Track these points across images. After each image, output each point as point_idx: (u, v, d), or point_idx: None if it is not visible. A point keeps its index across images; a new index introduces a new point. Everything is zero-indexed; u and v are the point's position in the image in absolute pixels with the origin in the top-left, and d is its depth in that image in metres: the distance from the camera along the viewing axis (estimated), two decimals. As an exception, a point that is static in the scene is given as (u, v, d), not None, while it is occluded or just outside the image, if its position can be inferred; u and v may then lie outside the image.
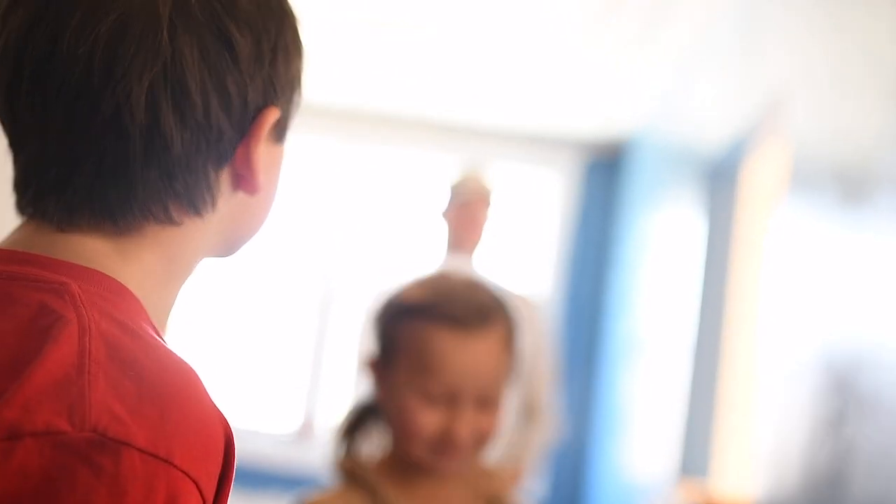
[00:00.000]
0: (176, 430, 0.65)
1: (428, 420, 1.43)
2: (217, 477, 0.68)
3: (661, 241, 3.95)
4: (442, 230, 3.31)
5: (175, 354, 0.71)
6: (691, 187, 3.48)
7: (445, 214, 3.29)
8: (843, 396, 1.96)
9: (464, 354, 1.45)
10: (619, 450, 4.26)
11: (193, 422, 0.67)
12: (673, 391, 3.42)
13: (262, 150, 0.79)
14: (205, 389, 0.70)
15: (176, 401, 0.66)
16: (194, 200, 0.77)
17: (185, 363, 0.71)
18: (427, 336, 1.45)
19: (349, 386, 3.06)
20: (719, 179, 3.35)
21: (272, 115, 0.79)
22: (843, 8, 2.19)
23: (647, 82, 4.06)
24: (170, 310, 0.81)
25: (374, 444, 1.54)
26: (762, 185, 3.32)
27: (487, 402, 1.46)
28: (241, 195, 0.81)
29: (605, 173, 5.05)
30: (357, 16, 3.74)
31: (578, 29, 3.63)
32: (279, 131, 0.82)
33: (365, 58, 4.20)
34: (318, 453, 4.79)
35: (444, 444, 1.44)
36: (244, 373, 5.17)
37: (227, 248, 0.85)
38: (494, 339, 1.49)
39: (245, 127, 0.78)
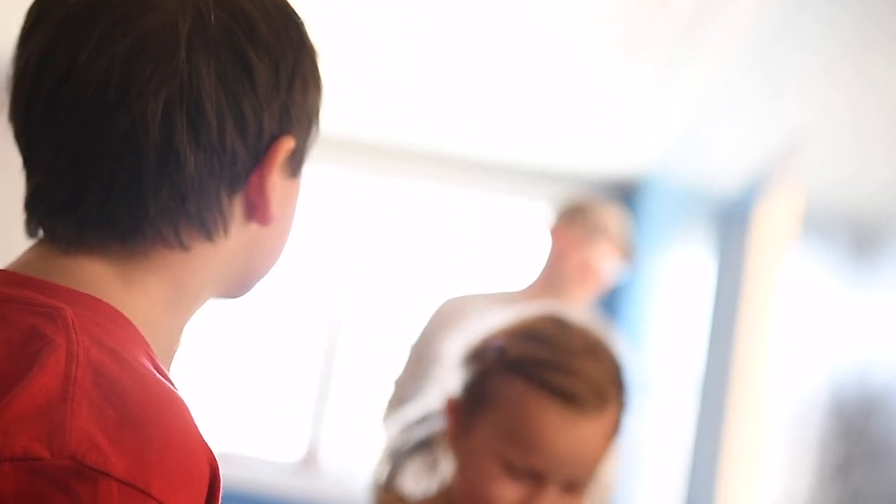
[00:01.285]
0: (157, 461, 0.64)
1: (507, 493, 1.26)
2: (206, 485, 0.68)
3: (672, 281, 3.94)
4: (545, 260, 2.92)
5: (164, 385, 0.70)
6: (703, 229, 3.48)
7: (556, 242, 2.89)
8: (852, 442, 1.95)
9: (569, 439, 1.27)
10: (624, 491, 4.23)
11: (176, 452, 0.66)
12: (678, 434, 3.40)
13: (276, 179, 0.79)
14: (192, 420, 0.70)
15: (159, 430, 0.66)
16: (206, 224, 0.76)
17: (174, 393, 0.70)
18: (531, 405, 1.27)
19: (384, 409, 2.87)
20: (732, 222, 3.34)
21: (287, 144, 0.79)
22: (863, 53, 2.19)
23: (664, 121, 4.06)
24: (177, 340, 0.80)
25: (421, 483, 1.39)
26: (774, 230, 3.31)
27: (575, 486, 1.30)
28: (254, 227, 0.80)
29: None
30: (367, 47, 3.77)
31: (597, 67, 3.64)
32: (295, 164, 0.82)
33: (375, 89, 4.22)
34: (322, 483, 4.77)
35: None
36: (249, 399, 5.15)
37: (238, 283, 0.84)
38: (606, 425, 1.31)
39: (260, 153, 0.77)
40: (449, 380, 1.36)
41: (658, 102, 3.86)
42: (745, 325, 3.26)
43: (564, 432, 1.27)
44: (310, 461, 4.90)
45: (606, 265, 2.87)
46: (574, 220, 2.89)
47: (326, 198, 5.24)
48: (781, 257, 3.25)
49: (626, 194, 5.12)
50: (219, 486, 0.70)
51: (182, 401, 0.70)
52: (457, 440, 1.33)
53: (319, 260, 5.23)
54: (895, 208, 1.89)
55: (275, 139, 0.78)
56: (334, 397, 5.11)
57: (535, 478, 1.28)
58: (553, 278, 2.88)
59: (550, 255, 2.90)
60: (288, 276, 5.18)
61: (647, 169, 4.77)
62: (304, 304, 5.22)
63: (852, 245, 2.09)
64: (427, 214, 5.28)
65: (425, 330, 3.01)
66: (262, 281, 0.86)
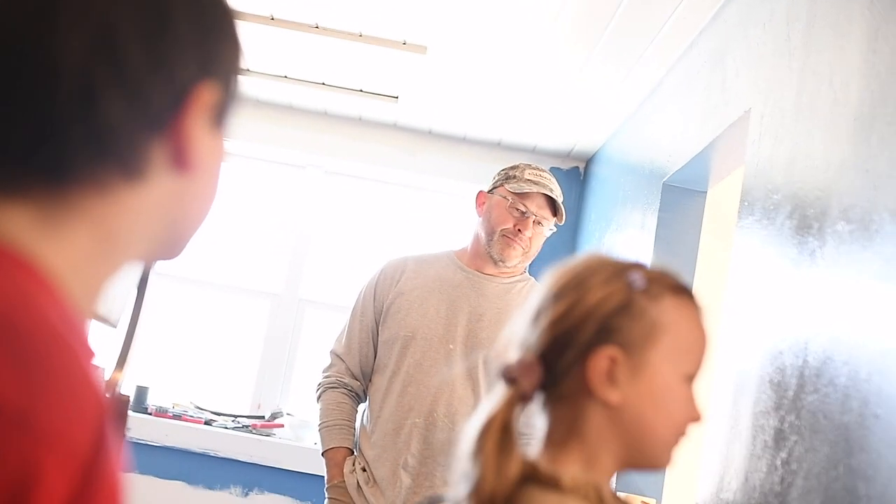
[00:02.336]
0: (40, 392, 0.63)
1: (696, 407, 1.32)
2: (87, 447, 0.65)
3: (621, 254, 4.01)
4: (475, 224, 3.02)
5: (56, 328, 0.69)
6: (650, 204, 3.54)
7: (479, 205, 3.02)
8: (786, 414, 2.03)
9: (705, 330, 1.35)
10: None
11: (63, 388, 0.65)
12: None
13: (197, 127, 0.79)
14: (83, 362, 0.68)
15: (44, 365, 0.65)
16: (124, 163, 0.75)
17: (65, 334, 0.69)
18: (689, 311, 1.33)
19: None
20: (678, 198, 3.42)
21: (208, 92, 0.79)
22: (812, 38, 2.25)
23: (615, 99, 4.12)
24: (98, 290, 0.78)
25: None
26: (720, 207, 3.39)
27: None
28: (177, 179, 0.79)
29: (570, 185, 5.11)
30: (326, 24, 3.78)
31: (552, 45, 3.68)
32: (218, 117, 0.82)
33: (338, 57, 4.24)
34: (277, 444, 4.82)
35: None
36: (208, 361, 5.19)
37: (166, 240, 0.82)
38: None
39: (178, 97, 0.77)
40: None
41: (610, 80, 3.91)
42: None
43: (703, 327, 1.35)
44: (267, 423, 4.94)
45: (531, 223, 2.92)
46: (499, 184, 2.98)
47: (272, 165, 5.26)
48: (725, 234, 3.33)
49: (578, 168, 5.19)
50: (111, 428, 0.68)
51: (74, 342, 0.69)
52: (615, 385, 1.28)
53: (283, 230, 5.25)
54: (837, 188, 1.96)
55: (194, 84, 0.78)
56: (294, 361, 5.16)
57: (693, 381, 1.33)
58: (481, 239, 2.97)
59: (479, 218, 2.99)
60: (245, 236, 5.19)
61: (598, 145, 4.83)
62: (260, 268, 5.24)
63: (794, 223, 2.16)
64: (389, 187, 5.32)
65: (366, 284, 3.09)
66: (190, 240, 0.85)
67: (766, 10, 2.62)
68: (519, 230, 2.92)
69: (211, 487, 4.83)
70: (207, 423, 4.91)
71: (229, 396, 5.16)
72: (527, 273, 3.07)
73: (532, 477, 1.25)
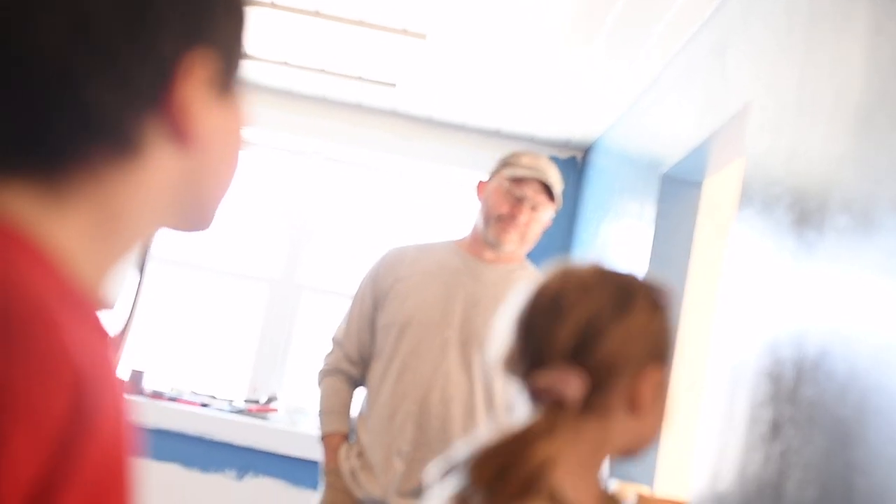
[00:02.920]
0: (11, 364, 0.62)
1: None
2: (61, 421, 0.63)
3: (617, 245, 4.02)
4: (475, 213, 3.02)
5: (43, 302, 0.67)
6: (650, 195, 3.55)
7: (480, 193, 3.02)
8: (782, 406, 2.03)
9: None
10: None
11: (37, 361, 0.63)
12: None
13: (195, 99, 0.76)
14: (64, 338, 0.66)
15: (19, 337, 0.63)
16: (115, 140, 0.73)
17: (53, 309, 0.67)
18: (666, 318, 1.43)
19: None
20: (678, 189, 3.42)
21: (201, 62, 0.75)
22: (814, 32, 2.25)
23: (616, 89, 4.12)
24: (108, 269, 0.77)
25: None
26: (719, 199, 3.40)
27: None
28: (181, 151, 0.77)
29: (568, 175, 5.11)
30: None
31: (552, 35, 3.68)
32: (223, 83, 0.78)
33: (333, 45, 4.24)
34: (272, 428, 4.83)
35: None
36: (203, 345, 5.19)
37: (190, 213, 0.81)
38: None
39: (164, 71, 0.74)
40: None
41: (610, 70, 3.91)
42: (687, 290, 3.34)
43: None
44: (263, 408, 4.95)
45: (527, 208, 2.92)
46: (497, 171, 2.98)
47: (273, 151, 5.25)
48: (725, 226, 3.34)
49: (576, 158, 5.19)
50: (89, 401, 0.66)
51: (57, 325, 0.67)
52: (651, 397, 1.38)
53: (285, 215, 5.25)
54: (838, 181, 1.96)
55: (181, 55, 0.75)
56: (290, 344, 5.16)
57: None
58: (479, 226, 2.98)
59: (479, 207, 3.00)
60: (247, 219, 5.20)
61: (597, 135, 4.84)
62: (259, 255, 5.25)
63: (794, 216, 2.17)
64: (387, 174, 5.32)
65: (368, 271, 3.09)
66: (216, 210, 0.84)
67: (767, 3, 2.62)
68: (514, 215, 2.92)
69: (206, 470, 4.83)
70: (203, 406, 4.91)
71: (226, 381, 5.16)
72: (526, 260, 3.07)
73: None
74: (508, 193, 2.92)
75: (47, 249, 0.71)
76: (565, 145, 5.15)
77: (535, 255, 3.15)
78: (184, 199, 0.80)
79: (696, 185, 3.42)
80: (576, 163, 5.18)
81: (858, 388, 1.73)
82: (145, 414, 4.77)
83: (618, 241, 4.03)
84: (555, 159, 5.14)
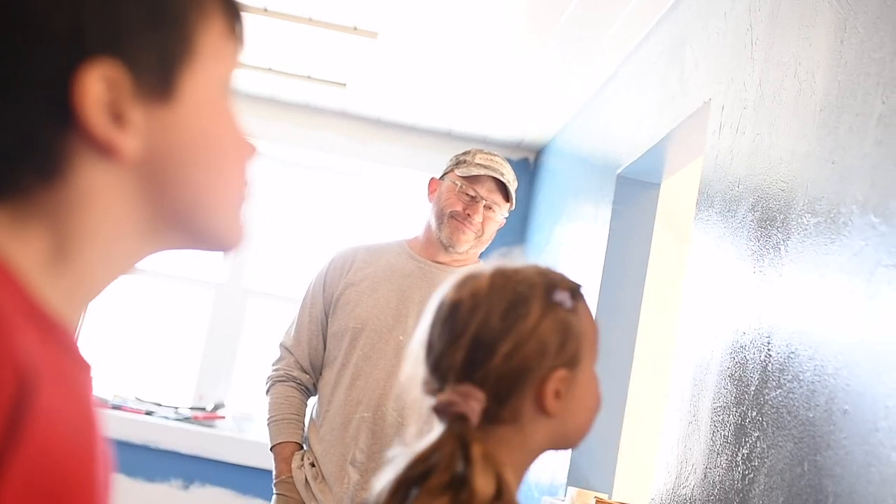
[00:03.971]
0: None
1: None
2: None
3: (572, 247, 3.99)
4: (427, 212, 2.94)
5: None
6: (605, 197, 3.51)
7: (431, 192, 2.93)
8: (747, 409, 2.00)
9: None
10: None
11: None
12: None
13: (104, 112, 0.72)
14: (9, 339, 0.66)
15: None
16: (34, 160, 0.71)
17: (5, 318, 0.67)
18: (587, 309, 1.42)
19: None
20: (635, 191, 3.39)
21: (100, 72, 0.71)
22: (776, 27, 2.22)
23: (571, 90, 4.08)
24: (82, 298, 0.75)
25: None
26: (677, 200, 3.37)
27: None
28: (125, 165, 0.74)
29: (520, 176, 5.07)
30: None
31: (506, 36, 3.63)
32: (150, 85, 0.74)
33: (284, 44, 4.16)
34: (219, 436, 4.73)
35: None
36: (148, 351, 5.09)
37: (176, 231, 0.78)
38: None
39: (57, 83, 0.70)
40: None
41: (564, 69, 3.87)
42: (645, 293, 3.31)
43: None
44: (209, 414, 4.85)
45: (481, 208, 2.83)
46: (450, 169, 2.91)
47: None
48: (684, 227, 3.31)
49: (528, 159, 5.15)
50: (29, 402, 0.65)
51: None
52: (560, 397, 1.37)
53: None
54: (803, 180, 1.93)
55: (76, 65, 0.71)
56: (236, 352, 5.07)
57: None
58: (432, 226, 2.88)
59: (430, 206, 2.92)
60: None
61: (550, 135, 4.80)
62: (204, 260, 5.15)
63: (756, 217, 2.14)
64: (336, 176, 5.25)
65: (316, 275, 3.00)
66: (226, 219, 0.80)
67: (727, -1, 2.59)
68: (469, 214, 2.84)
69: (151, 480, 4.73)
70: (148, 413, 4.81)
71: (171, 388, 5.06)
72: (480, 262, 2.99)
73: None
74: (462, 192, 2.85)
75: (13, 269, 0.70)
76: (518, 146, 5.11)
77: (486, 258, 3.08)
78: (156, 213, 0.76)
79: (654, 186, 3.38)
80: (528, 164, 5.14)
81: (826, 391, 1.69)
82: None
83: (572, 245, 4.00)
84: (507, 161, 5.09)
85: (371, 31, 3.82)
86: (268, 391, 2.96)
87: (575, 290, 1.40)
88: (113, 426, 4.70)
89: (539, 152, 5.09)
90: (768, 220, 2.07)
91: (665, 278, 3.30)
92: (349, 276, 2.93)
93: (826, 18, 1.95)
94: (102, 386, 4.90)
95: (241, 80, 4.78)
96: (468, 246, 2.87)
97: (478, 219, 2.85)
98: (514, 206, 2.94)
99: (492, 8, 3.43)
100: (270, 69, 4.50)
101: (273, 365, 2.98)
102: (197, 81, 0.77)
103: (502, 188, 2.87)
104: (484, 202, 2.85)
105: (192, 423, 4.81)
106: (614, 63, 3.65)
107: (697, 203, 2.54)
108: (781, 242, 1.98)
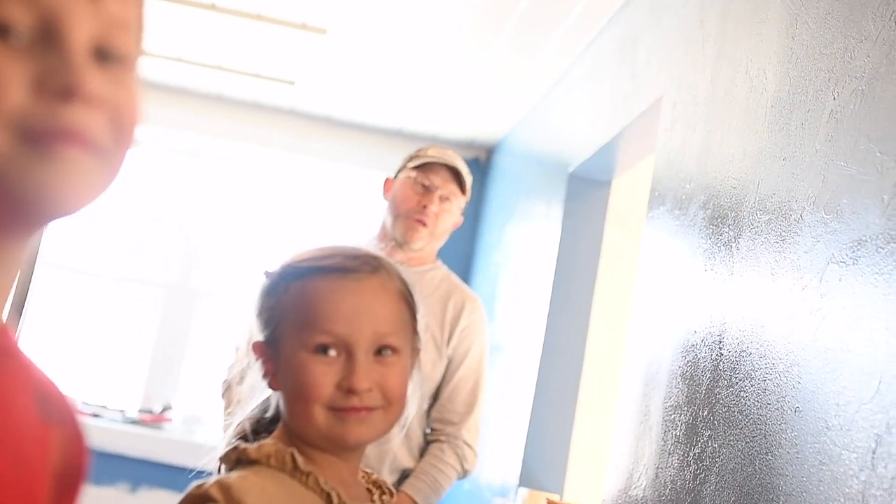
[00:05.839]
0: None
1: (322, 374, 1.33)
2: None
3: (523, 246, 3.97)
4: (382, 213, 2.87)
5: None
6: (557, 195, 3.50)
7: (386, 192, 2.85)
8: (698, 409, 1.98)
9: (351, 298, 1.35)
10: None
11: None
12: (521, 401, 3.43)
13: None
14: None
15: None
16: None
17: None
18: (308, 289, 1.36)
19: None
20: (586, 189, 3.37)
21: None
22: (728, 24, 2.21)
23: (521, 89, 4.06)
24: None
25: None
26: (629, 198, 3.36)
27: (387, 352, 1.36)
28: None
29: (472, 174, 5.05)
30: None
31: (456, 34, 3.61)
32: None
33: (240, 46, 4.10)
34: (167, 439, 4.66)
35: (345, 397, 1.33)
36: (94, 353, 5.00)
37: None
38: (388, 285, 1.40)
39: None
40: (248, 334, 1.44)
41: (515, 67, 3.85)
42: (596, 291, 3.29)
43: (343, 294, 1.35)
44: (156, 416, 4.78)
45: (436, 198, 2.76)
46: (403, 166, 2.84)
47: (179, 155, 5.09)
48: (635, 225, 3.30)
49: (479, 159, 5.13)
50: None
51: None
52: (274, 372, 1.38)
53: (178, 221, 5.08)
54: (754, 177, 1.92)
55: None
56: (183, 352, 5.00)
57: (347, 352, 1.34)
58: (387, 225, 2.80)
59: (385, 206, 2.84)
60: (140, 232, 5.02)
61: (501, 134, 4.78)
62: (154, 260, 5.07)
63: (707, 214, 2.12)
64: (285, 174, 5.19)
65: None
66: (43, 204, 0.69)
67: (677, -4, 2.58)
68: (424, 206, 2.76)
69: (98, 484, 4.66)
70: (95, 416, 4.72)
71: (118, 390, 4.98)
72: (438, 261, 2.92)
73: (237, 461, 1.34)
74: (416, 184, 2.78)
75: None
76: (469, 145, 5.08)
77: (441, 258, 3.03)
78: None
79: (605, 184, 3.37)
80: (480, 163, 5.11)
81: (777, 389, 1.68)
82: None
83: (524, 244, 3.98)
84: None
85: (320, 28, 3.77)
86: (223, 394, 2.89)
87: (306, 271, 1.38)
88: (57, 429, 4.61)
89: (490, 151, 5.07)
90: (720, 217, 2.05)
91: (616, 276, 3.28)
92: None
93: (777, 14, 1.94)
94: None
95: (189, 77, 4.71)
96: (423, 243, 2.79)
97: (433, 208, 2.77)
98: (469, 198, 2.88)
99: (443, 5, 3.40)
100: (218, 66, 4.44)
101: (229, 368, 2.88)
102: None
103: (456, 179, 2.82)
104: (439, 192, 2.78)
105: (140, 425, 4.74)
106: (566, 61, 3.63)
107: (649, 201, 2.53)
108: (733, 240, 1.97)
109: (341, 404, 1.32)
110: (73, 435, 0.79)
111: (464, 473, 2.71)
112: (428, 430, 2.73)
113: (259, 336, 1.40)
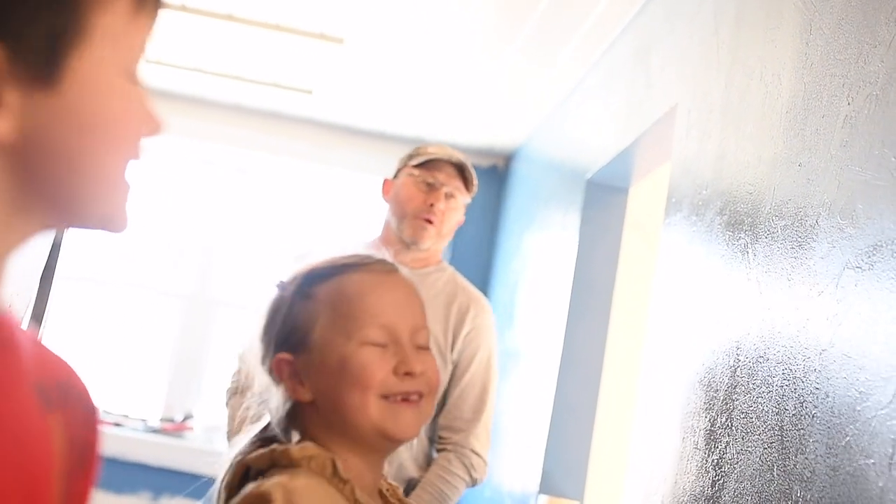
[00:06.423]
0: None
1: (379, 365, 1.34)
2: None
3: (541, 254, 3.97)
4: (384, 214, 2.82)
5: None
6: (574, 203, 3.50)
7: (385, 193, 2.79)
8: (716, 416, 1.98)
9: (393, 291, 1.39)
10: (489, 463, 4.25)
11: None
12: (540, 407, 3.43)
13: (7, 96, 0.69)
14: None
15: None
16: None
17: None
18: (347, 284, 1.37)
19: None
20: (603, 196, 3.37)
21: None
22: (742, 31, 2.21)
23: (538, 96, 4.07)
24: None
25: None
26: (646, 204, 3.36)
27: (425, 344, 1.41)
28: (18, 143, 0.71)
29: (489, 183, 5.06)
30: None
31: (473, 42, 3.61)
32: (34, 68, 0.71)
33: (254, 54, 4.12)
34: (188, 447, 4.68)
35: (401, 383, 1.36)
36: (115, 363, 5.03)
37: (38, 203, 0.75)
38: (412, 285, 1.44)
39: None
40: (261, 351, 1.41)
41: (532, 75, 3.86)
42: (614, 297, 3.29)
43: (386, 287, 1.38)
44: (178, 425, 4.80)
45: (442, 195, 2.70)
46: (403, 165, 2.78)
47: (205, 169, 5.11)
48: (652, 232, 3.30)
49: (497, 166, 5.13)
50: None
51: None
52: (302, 381, 1.37)
53: (195, 226, 5.11)
54: (770, 183, 1.92)
55: None
56: (203, 362, 5.02)
57: (394, 341, 1.36)
58: (391, 226, 2.74)
59: (388, 207, 2.78)
60: (155, 239, 5.04)
61: (519, 142, 4.79)
62: (169, 268, 5.10)
63: (725, 220, 2.12)
64: (306, 185, 5.21)
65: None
66: (92, 202, 0.76)
67: (693, 3, 2.58)
68: (431, 204, 2.69)
69: (120, 492, 4.68)
70: (116, 426, 4.75)
71: (139, 399, 5.00)
72: (444, 262, 2.84)
73: (273, 463, 1.32)
74: (420, 182, 2.72)
75: None
76: (487, 153, 5.09)
77: (456, 265, 3.05)
78: (29, 192, 0.73)
79: (622, 191, 3.37)
80: (497, 171, 5.12)
81: (794, 395, 1.68)
82: (54, 435, 4.59)
83: (542, 251, 3.98)
84: (476, 167, 5.07)
85: (337, 37, 3.79)
86: (226, 402, 2.86)
87: (334, 269, 1.39)
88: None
89: (508, 158, 5.07)
90: (736, 223, 2.05)
91: (634, 283, 3.28)
92: None
93: (791, 20, 1.94)
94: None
95: (207, 87, 4.73)
96: (431, 242, 2.72)
97: (440, 206, 2.70)
98: (474, 190, 2.79)
99: (459, 14, 3.41)
100: (237, 76, 4.46)
101: (233, 376, 2.88)
102: (88, 66, 0.74)
103: (460, 175, 2.74)
104: (445, 188, 2.72)
105: (161, 434, 4.76)
106: (582, 68, 3.63)
107: (666, 208, 2.53)
108: (749, 246, 1.96)
109: (398, 389, 1.35)
110: (79, 413, 0.82)
111: (473, 482, 2.65)
112: (436, 439, 2.68)
113: (278, 351, 1.38)
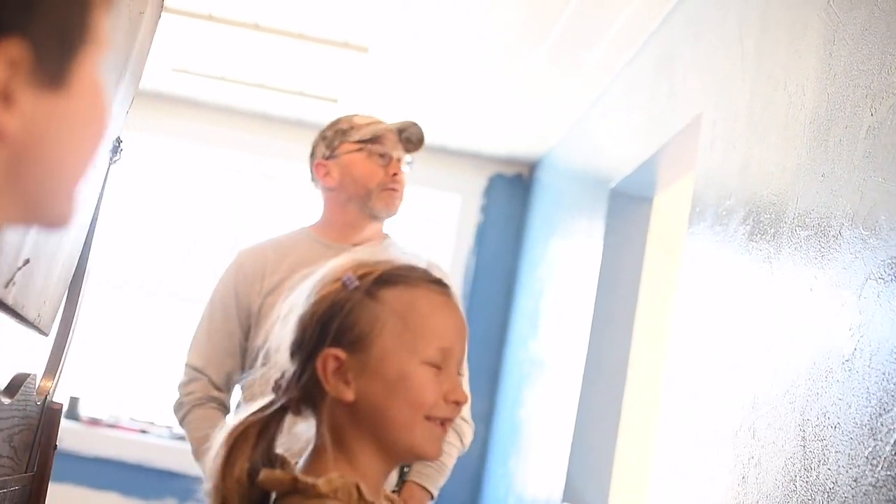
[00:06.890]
0: None
1: (433, 385, 1.33)
2: None
3: (566, 262, 3.97)
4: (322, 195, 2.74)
5: None
6: (598, 212, 3.50)
7: (318, 173, 2.71)
8: (740, 425, 1.98)
9: (456, 315, 1.39)
10: (513, 471, 4.26)
11: None
12: (564, 416, 3.43)
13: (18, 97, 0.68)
14: None
15: None
16: None
17: None
18: (420, 298, 1.36)
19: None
20: (628, 204, 3.37)
21: (6, 49, 0.67)
22: (766, 42, 2.22)
23: (562, 105, 4.08)
24: None
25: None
26: (670, 214, 3.36)
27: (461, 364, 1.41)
28: None
29: (514, 191, 5.06)
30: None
31: (498, 51, 3.63)
32: (44, 71, 0.70)
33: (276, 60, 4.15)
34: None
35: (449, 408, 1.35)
36: (141, 369, 5.06)
37: (23, 203, 0.72)
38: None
39: None
40: (296, 344, 1.37)
41: (556, 85, 3.86)
42: (638, 306, 3.29)
43: (450, 310, 1.38)
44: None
45: (397, 164, 2.66)
46: (336, 143, 2.75)
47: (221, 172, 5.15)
48: (676, 241, 3.30)
49: (521, 175, 5.14)
50: None
51: None
52: (347, 381, 1.34)
53: (219, 218, 5.14)
54: (793, 193, 1.92)
55: None
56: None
57: (447, 365, 1.35)
58: (350, 207, 2.69)
59: (326, 188, 2.74)
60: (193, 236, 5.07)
61: (543, 151, 4.79)
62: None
63: (748, 229, 2.12)
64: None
65: (220, 282, 2.81)
66: (62, 200, 0.74)
67: (717, 13, 2.59)
68: (394, 175, 2.65)
69: (146, 498, 4.71)
70: (143, 432, 4.78)
71: (165, 406, 5.03)
72: (389, 236, 2.78)
73: (293, 489, 1.28)
74: (373, 156, 2.66)
75: None
76: (511, 161, 5.10)
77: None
78: (14, 186, 0.71)
79: (646, 200, 3.37)
80: (522, 179, 5.13)
81: (817, 405, 1.68)
82: (82, 442, 4.62)
83: (566, 259, 3.98)
84: (501, 176, 5.08)
85: (362, 46, 3.81)
86: (184, 418, 2.68)
87: (404, 279, 1.37)
88: (107, 445, 4.68)
89: (533, 167, 5.08)
90: (759, 233, 2.05)
91: (658, 292, 3.28)
92: (265, 284, 2.71)
93: (815, 30, 1.94)
94: (97, 405, 4.87)
95: (233, 96, 4.77)
96: (398, 209, 2.72)
97: (404, 178, 2.69)
98: (421, 147, 2.77)
99: (484, 23, 3.42)
100: (262, 85, 4.49)
101: (183, 388, 2.72)
102: (90, 68, 0.74)
103: (398, 137, 2.72)
104: (396, 155, 2.69)
105: (187, 441, 4.78)
106: (606, 77, 3.64)
107: (690, 217, 2.53)
108: (773, 255, 1.97)
109: (443, 414, 1.35)
110: None
111: (463, 448, 2.62)
112: None
113: (330, 345, 1.34)
